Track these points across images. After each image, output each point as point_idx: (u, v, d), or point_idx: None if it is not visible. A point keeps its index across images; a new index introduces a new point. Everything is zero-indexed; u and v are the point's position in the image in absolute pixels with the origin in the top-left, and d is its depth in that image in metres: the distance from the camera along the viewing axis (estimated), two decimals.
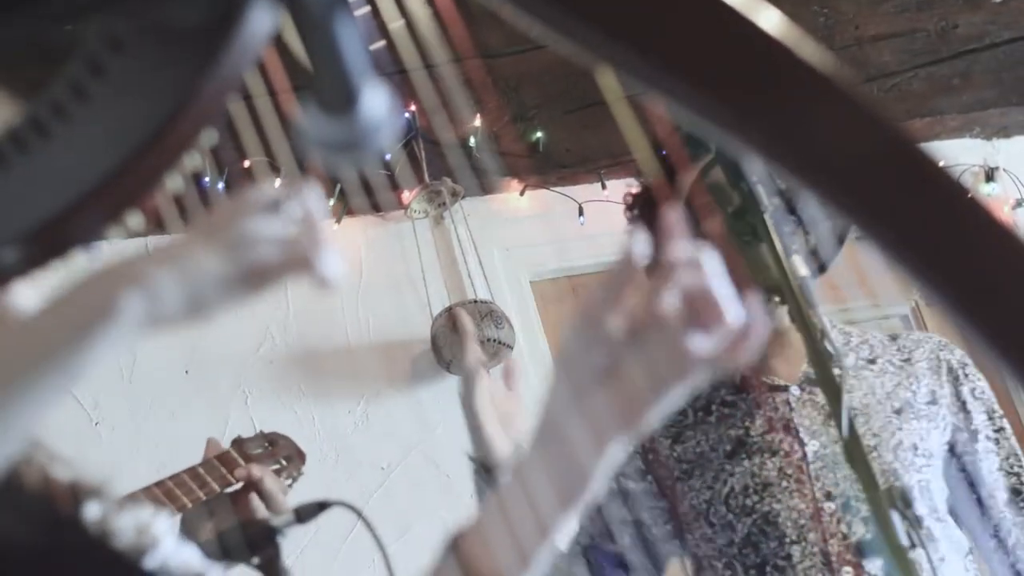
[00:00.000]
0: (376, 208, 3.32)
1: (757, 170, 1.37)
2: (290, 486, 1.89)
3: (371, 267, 3.31)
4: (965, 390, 1.75)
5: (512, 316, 3.16)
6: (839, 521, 1.57)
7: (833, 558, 1.54)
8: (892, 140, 0.39)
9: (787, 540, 1.58)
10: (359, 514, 1.34)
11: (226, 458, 1.78)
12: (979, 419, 1.74)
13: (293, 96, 0.58)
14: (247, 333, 3.17)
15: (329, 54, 0.52)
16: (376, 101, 0.56)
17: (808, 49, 0.38)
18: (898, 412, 1.67)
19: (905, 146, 0.39)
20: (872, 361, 1.75)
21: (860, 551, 1.54)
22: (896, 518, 1.13)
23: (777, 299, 1.57)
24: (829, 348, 1.30)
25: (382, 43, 0.55)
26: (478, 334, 2.71)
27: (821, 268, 1.72)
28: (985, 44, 3.51)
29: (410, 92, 0.66)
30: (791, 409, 1.67)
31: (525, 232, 3.39)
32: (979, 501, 1.70)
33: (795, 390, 1.69)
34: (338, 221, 3.23)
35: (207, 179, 1.96)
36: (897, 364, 1.75)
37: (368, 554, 2.45)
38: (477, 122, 3.18)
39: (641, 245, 0.72)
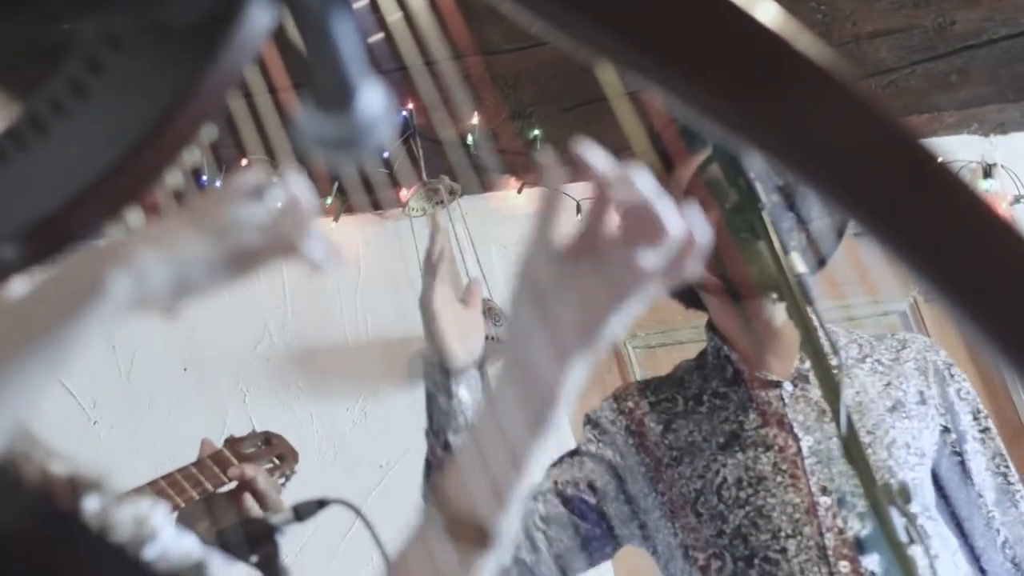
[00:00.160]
0: (374, 206, 3.32)
1: (755, 166, 1.37)
2: (283, 485, 1.89)
3: (369, 265, 3.31)
4: (952, 391, 1.76)
5: None
6: (835, 516, 1.57)
7: (830, 552, 1.54)
8: (892, 135, 0.39)
9: (782, 534, 1.58)
10: (358, 512, 1.34)
11: (219, 457, 1.78)
12: (966, 420, 1.75)
13: (293, 93, 0.58)
14: (245, 331, 3.17)
15: (326, 51, 0.52)
16: (373, 99, 0.56)
17: (807, 44, 0.38)
18: (891, 410, 1.67)
19: (905, 141, 0.39)
20: (862, 360, 1.76)
21: (857, 547, 1.54)
22: (895, 514, 1.13)
23: (775, 295, 1.57)
24: (826, 345, 1.30)
25: (380, 35, 0.55)
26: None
27: (820, 264, 1.72)
28: (982, 40, 3.51)
29: (408, 89, 0.66)
30: (784, 404, 1.67)
31: (523, 230, 3.38)
32: (968, 500, 1.70)
33: (788, 386, 1.69)
34: (336, 219, 3.24)
35: (206, 176, 1.96)
36: (886, 363, 1.75)
37: (367, 552, 2.45)
38: (475, 120, 3.18)
39: (554, 170, 0.76)
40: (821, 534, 1.56)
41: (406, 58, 0.59)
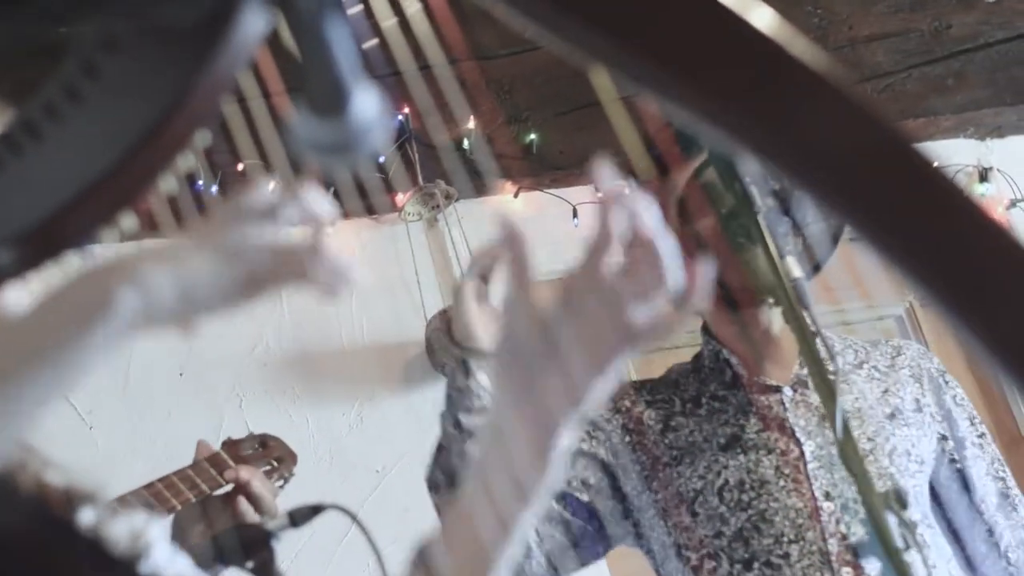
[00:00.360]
0: (370, 211, 3.32)
1: (751, 171, 1.37)
2: (281, 487, 1.89)
3: (365, 270, 3.31)
4: (948, 398, 1.76)
5: None
6: (838, 521, 1.56)
7: (833, 558, 1.53)
8: (888, 139, 0.39)
9: (784, 539, 1.57)
10: (354, 518, 1.34)
11: (216, 460, 1.78)
12: (963, 425, 1.75)
13: (287, 98, 0.58)
14: (242, 336, 3.17)
15: (320, 56, 0.52)
16: (367, 103, 0.56)
17: (802, 48, 0.38)
18: (890, 417, 1.67)
19: (901, 145, 0.39)
20: (859, 366, 1.75)
21: (860, 552, 1.53)
22: (892, 520, 1.13)
23: (771, 300, 1.57)
24: (823, 350, 1.30)
25: (375, 41, 0.55)
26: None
27: (815, 269, 1.71)
28: (979, 44, 3.52)
29: (403, 94, 0.65)
30: (785, 409, 1.67)
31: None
32: (967, 507, 1.70)
33: (788, 391, 1.68)
34: (332, 224, 3.23)
35: (201, 181, 1.96)
36: (883, 370, 1.75)
37: (363, 558, 2.45)
38: (471, 124, 3.18)
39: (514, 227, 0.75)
40: (824, 539, 1.55)
41: (401, 63, 0.58)
